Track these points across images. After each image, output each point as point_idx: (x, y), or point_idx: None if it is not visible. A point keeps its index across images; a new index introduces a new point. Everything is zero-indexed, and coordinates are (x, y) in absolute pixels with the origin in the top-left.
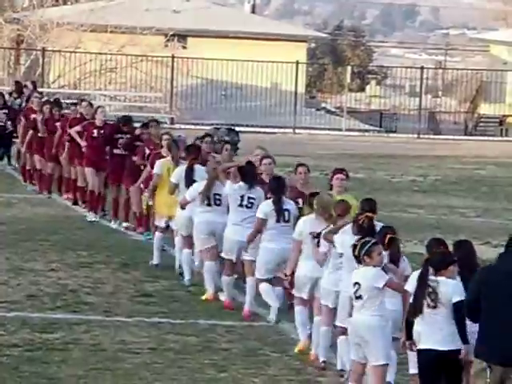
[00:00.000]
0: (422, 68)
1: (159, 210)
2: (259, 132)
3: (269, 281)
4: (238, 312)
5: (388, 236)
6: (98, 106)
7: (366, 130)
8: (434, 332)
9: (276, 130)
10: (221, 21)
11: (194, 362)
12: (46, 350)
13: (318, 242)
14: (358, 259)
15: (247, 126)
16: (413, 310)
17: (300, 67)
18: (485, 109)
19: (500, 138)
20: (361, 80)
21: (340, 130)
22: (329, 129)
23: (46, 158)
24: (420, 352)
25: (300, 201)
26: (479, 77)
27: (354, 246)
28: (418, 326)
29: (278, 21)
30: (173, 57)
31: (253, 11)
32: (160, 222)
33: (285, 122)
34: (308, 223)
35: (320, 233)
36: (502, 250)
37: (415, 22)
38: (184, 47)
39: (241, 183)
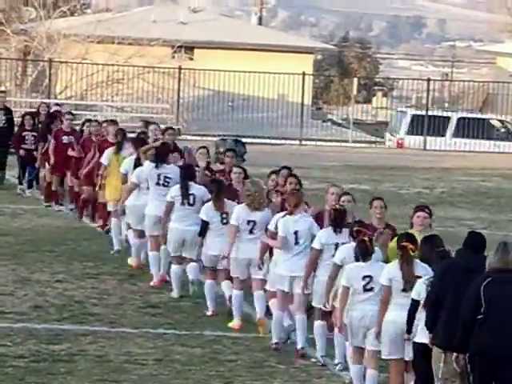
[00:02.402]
0: (428, 80)
1: (110, 196)
2: (266, 143)
3: (213, 272)
4: (243, 324)
5: (355, 229)
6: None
7: (373, 142)
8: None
9: (282, 142)
10: (228, 32)
11: (200, 374)
12: (52, 362)
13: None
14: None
15: (254, 137)
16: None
17: (306, 79)
18: (492, 120)
19: (507, 151)
20: (367, 92)
21: (346, 141)
22: (335, 140)
23: (82, 180)
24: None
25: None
26: (485, 89)
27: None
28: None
29: (285, 32)
30: (180, 68)
31: (259, 23)
32: (112, 207)
33: (291, 134)
34: (241, 210)
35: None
36: None
37: (422, 34)
38: (191, 59)
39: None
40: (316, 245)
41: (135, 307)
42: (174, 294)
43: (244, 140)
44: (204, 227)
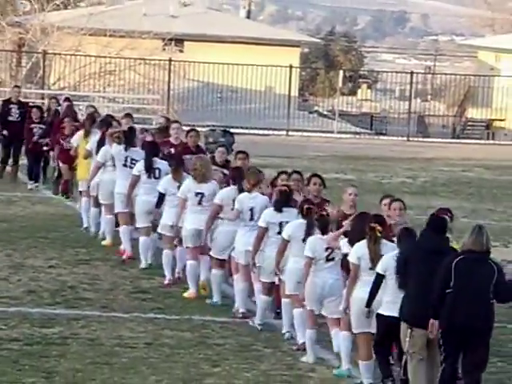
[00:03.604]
0: (411, 73)
1: (80, 175)
2: (253, 134)
3: (171, 239)
4: (231, 309)
5: (305, 207)
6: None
7: (357, 133)
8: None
9: (270, 132)
10: (216, 26)
11: (189, 357)
12: (45, 345)
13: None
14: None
15: (242, 127)
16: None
17: (293, 71)
18: (472, 113)
19: (486, 142)
20: (352, 84)
21: (332, 132)
22: (321, 131)
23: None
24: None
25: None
26: (467, 82)
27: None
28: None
29: (273, 26)
30: (170, 60)
31: (248, 16)
32: (83, 187)
33: (278, 125)
34: (189, 183)
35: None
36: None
37: (405, 28)
38: (181, 51)
39: (122, 146)
40: (261, 223)
41: (126, 292)
42: (142, 265)
43: (232, 130)
44: (160, 199)
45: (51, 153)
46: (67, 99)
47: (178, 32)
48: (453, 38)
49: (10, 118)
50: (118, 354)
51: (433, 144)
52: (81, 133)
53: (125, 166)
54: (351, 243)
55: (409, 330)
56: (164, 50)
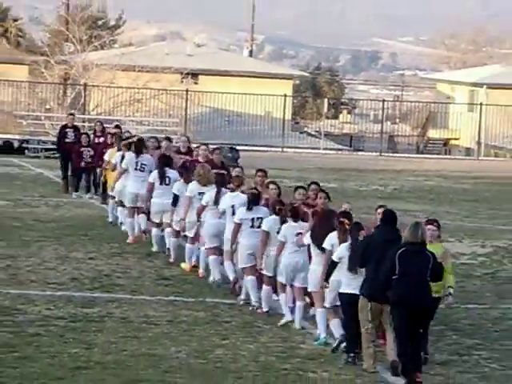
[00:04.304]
0: (383, 101)
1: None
2: (255, 150)
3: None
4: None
5: (277, 207)
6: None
7: (340, 149)
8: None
9: (268, 149)
10: (225, 63)
11: (202, 332)
12: (86, 322)
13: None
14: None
15: (245, 145)
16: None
17: (287, 99)
18: (432, 133)
19: (444, 156)
20: (335, 110)
21: (318, 149)
22: (310, 148)
23: None
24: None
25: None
26: (428, 108)
27: None
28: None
29: (270, 63)
30: (187, 91)
31: (250, 55)
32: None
33: (275, 143)
34: (194, 186)
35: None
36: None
37: (378, 65)
38: (196, 83)
39: (133, 153)
40: (236, 219)
41: (151, 279)
42: (154, 248)
43: (238, 147)
44: (175, 199)
45: (98, 169)
46: (117, 127)
47: (194, 68)
48: (416, 73)
49: (67, 140)
50: (145, 330)
51: (401, 158)
52: (112, 149)
53: (136, 169)
54: (315, 236)
55: (368, 304)
56: (182, 82)
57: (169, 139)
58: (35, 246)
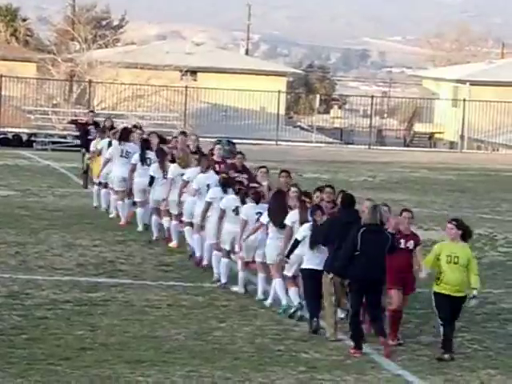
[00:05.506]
0: (372, 97)
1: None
2: (250, 143)
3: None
4: (234, 279)
5: (256, 191)
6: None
7: (331, 143)
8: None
9: (263, 142)
10: (222, 60)
11: (201, 315)
12: (91, 305)
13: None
14: None
15: (241, 138)
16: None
17: (281, 95)
18: (418, 127)
19: (429, 149)
20: (326, 105)
21: (311, 142)
22: (303, 141)
23: None
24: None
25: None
26: (414, 103)
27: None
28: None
29: (265, 60)
30: (186, 87)
31: (246, 53)
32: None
33: (270, 136)
34: (174, 168)
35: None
36: (431, 232)
37: (367, 63)
38: (195, 80)
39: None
40: (207, 198)
41: (153, 265)
42: (140, 228)
43: (234, 141)
44: (151, 180)
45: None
46: (135, 127)
47: (193, 65)
48: (403, 70)
49: (90, 137)
50: (147, 313)
51: (389, 151)
52: (99, 139)
53: (121, 156)
54: (272, 214)
55: (329, 276)
56: (182, 79)
57: (184, 133)
58: (43, 233)
